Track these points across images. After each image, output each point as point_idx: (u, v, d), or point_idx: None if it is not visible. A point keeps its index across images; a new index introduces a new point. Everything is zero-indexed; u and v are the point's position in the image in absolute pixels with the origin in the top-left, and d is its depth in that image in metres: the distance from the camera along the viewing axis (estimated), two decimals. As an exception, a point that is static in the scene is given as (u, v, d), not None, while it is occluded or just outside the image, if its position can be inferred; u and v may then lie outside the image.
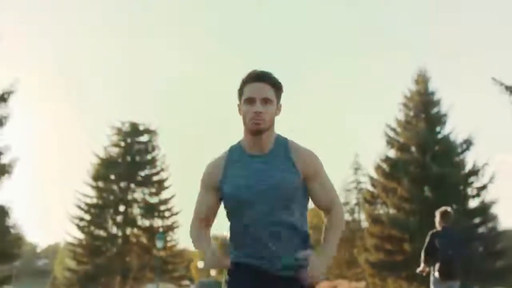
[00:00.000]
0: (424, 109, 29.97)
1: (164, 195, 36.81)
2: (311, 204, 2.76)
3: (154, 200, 36.56)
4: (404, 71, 71.50)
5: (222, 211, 2.79)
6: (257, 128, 2.62)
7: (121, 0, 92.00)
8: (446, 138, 29.73)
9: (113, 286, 34.18)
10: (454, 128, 29.96)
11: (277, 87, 2.68)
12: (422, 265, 7.38)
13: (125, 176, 35.74)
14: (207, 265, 2.61)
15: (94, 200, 35.62)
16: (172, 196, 36.76)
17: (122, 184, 35.99)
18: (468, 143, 29.42)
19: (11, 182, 19.97)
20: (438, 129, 30.03)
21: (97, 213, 35.45)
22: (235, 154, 2.72)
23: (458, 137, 29.76)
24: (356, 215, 41.26)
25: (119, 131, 36.84)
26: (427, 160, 28.87)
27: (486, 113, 59.08)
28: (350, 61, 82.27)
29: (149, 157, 36.85)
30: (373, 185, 31.40)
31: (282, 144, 2.72)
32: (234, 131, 2.69)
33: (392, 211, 29.95)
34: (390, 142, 30.32)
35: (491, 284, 27.37)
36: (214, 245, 2.62)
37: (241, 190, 2.64)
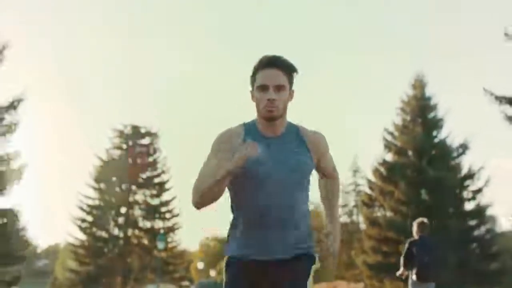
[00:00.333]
0: (421, 114, 30.75)
1: (165, 197, 37.67)
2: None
3: (155, 202, 37.44)
4: (404, 72, 72.31)
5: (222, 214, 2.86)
6: (270, 115, 2.67)
7: (121, 1, 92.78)
8: (442, 142, 30.51)
9: (114, 286, 35.13)
10: (451, 132, 30.84)
11: (290, 72, 2.72)
12: (401, 269, 8.41)
13: (127, 178, 36.60)
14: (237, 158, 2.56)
15: (96, 202, 36.42)
16: (173, 198, 37.61)
17: (124, 186, 36.84)
18: (464, 147, 30.22)
19: (20, 187, 21.14)
20: (434, 133, 30.78)
21: (99, 215, 36.27)
22: (250, 130, 2.76)
23: (454, 141, 30.58)
24: (354, 217, 42.29)
25: (121, 133, 37.71)
26: (423, 164, 29.65)
27: (486, 113, 59.96)
28: (350, 61, 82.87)
29: (150, 159, 37.71)
30: (370, 188, 32.27)
31: (294, 129, 2.80)
32: None
33: (389, 213, 30.69)
34: (388, 146, 31.14)
35: (487, 286, 27.98)
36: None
37: (256, 167, 2.66)
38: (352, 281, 34.36)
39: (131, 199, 36.96)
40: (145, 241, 36.73)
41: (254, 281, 2.71)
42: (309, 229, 2.79)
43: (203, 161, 2.73)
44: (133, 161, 36.89)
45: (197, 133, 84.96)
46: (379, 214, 31.91)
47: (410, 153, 30.59)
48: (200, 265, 54.62)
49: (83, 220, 36.03)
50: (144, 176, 37.33)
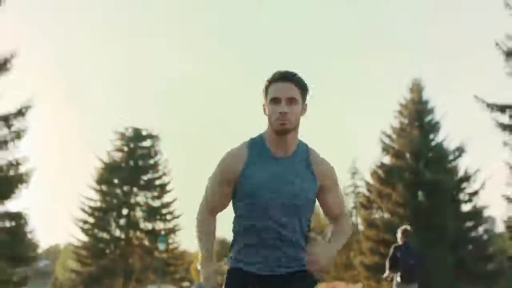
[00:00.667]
0: (418, 117, 31.75)
1: (166, 198, 38.17)
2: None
3: (156, 203, 37.92)
4: (404, 73, 73.23)
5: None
6: (282, 128, 2.66)
7: (121, 1, 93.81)
8: (439, 145, 31.49)
9: (115, 287, 35.59)
10: (448, 136, 31.84)
11: (302, 86, 2.73)
12: (387, 271, 9.51)
13: (128, 180, 37.19)
14: (205, 282, 2.77)
15: (98, 204, 36.97)
16: (174, 200, 38.10)
17: (125, 188, 37.36)
18: (460, 150, 31.27)
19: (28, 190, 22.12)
20: (431, 136, 31.79)
21: (101, 216, 36.87)
22: (256, 149, 2.76)
23: (451, 144, 31.61)
24: (353, 219, 43.24)
25: (123, 136, 38.27)
26: (420, 167, 30.75)
27: (485, 113, 60.71)
28: (350, 62, 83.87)
29: (151, 161, 38.32)
30: (369, 190, 33.34)
31: (304, 150, 2.78)
32: (236, 134, 3.08)
33: (386, 215, 31.75)
34: (386, 149, 32.18)
35: (484, 287, 28.96)
36: (212, 268, 2.78)
37: (262, 192, 2.68)
38: (350, 282, 35.24)
39: (132, 200, 37.55)
40: (146, 242, 37.37)
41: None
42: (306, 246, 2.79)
43: (208, 179, 2.83)
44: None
45: (198, 135, 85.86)
46: (377, 216, 32.96)
47: (407, 156, 31.55)
48: (199, 267, 55.09)
49: (85, 222, 36.62)
50: (145, 178, 38.05)
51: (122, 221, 37.35)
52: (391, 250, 9.54)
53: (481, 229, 31.39)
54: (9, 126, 21.28)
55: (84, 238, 36.92)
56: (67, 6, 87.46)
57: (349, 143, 71.24)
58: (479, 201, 30.54)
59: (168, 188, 38.39)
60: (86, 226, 36.77)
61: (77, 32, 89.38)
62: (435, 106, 32.18)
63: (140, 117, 77.68)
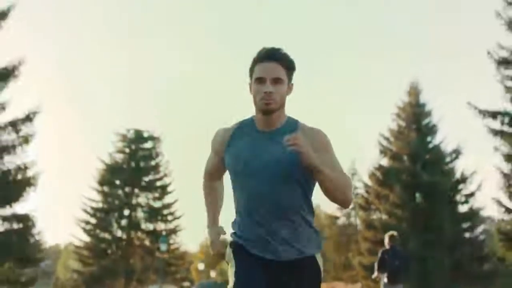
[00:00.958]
0: (415, 120, 32.62)
1: (167, 199, 39.07)
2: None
3: (157, 204, 38.78)
4: (403, 74, 74.33)
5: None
6: (267, 108, 2.67)
7: (121, 2, 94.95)
8: (436, 148, 32.36)
9: (117, 287, 36.38)
10: (445, 138, 32.80)
11: (288, 66, 2.72)
12: (376, 273, 10.61)
13: (130, 181, 38.03)
14: (211, 245, 2.92)
15: (100, 204, 37.79)
16: (175, 201, 39.01)
17: (127, 189, 38.21)
18: (457, 153, 32.17)
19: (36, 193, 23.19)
20: (429, 139, 32.65)
21: (103, 217, 37.71)
22: (245, 127, 2.81)
23: (448, 147, 32.50)
24: (352, 219, 44.35)
25: (124, 137, 39.12)
26: (418, 169, 31.58)
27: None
28: (350, 61, 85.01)
29: (153, 163, 39.15)
30: (367, 191, 34.36)
31: (292, 123, 2.77)
32: None
33: (384, 216, 32.72)
34: (383, 151, 33.13)
35: (480, 287, 29.52)
36: (218, 229, 2.94)
37: (239, 162, 2.72)
38: (349, 282, 36.19)
39: (134, 201, 38.32)
40: (148, 243, 38.17)
41: (258, 264, 2.72)
42: (307, 231, 2.75)
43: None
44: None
45: (198, 136, 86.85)
46: (375, 217, 33.89)
47: (405, 158, 32.42)
48: (201, 266, 56.33)
49: (87, 222, 37.38)
50: (146, 179, 38.87)
51: (123, 222, 38.10)
52: (379, 253, 10.65)
53: (477, 230, 32.14)
54: (17, 132, 22.38)
55: (86, 238, 37.66)
56: (69, 10, 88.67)
57: (349, 144, 72.09)
58: (475, 203, 31.38)
59: (169, 189, 39.20)
60: (88, 227, 37.49)
61: (78, 36, 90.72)
62: (432, 109, 33.15)
63: (141, 119, 79.20)
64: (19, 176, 22.47)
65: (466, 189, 31.85)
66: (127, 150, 39.29)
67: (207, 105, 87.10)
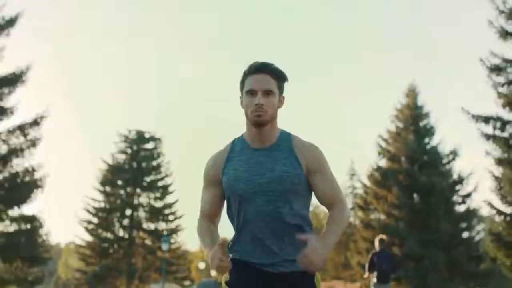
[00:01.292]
0: (413, 122, 33.61)
1: (169, 199, 39.94)
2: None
3: (159, 204, 39.62)
4: (404, 73, 75.42)
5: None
6: (258, 120, 2.65)
7: (122, 5, 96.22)
8: (433, 149, 33.29)
9: (119, 286, 37.37)
10: (442, 139, 34.03)
11: (279, 78, 2.72)
12: (366, 273, 11.76)
13: (132, 181, 38.85)
14: (211, 267, 2.61)
15: (102, 204, 38.66)
16: (176, 201, 39.93)
17: (129, 189, 38.99)
18: (454, 154, 33.12)
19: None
20: (426, 140, 33.58)
21: (105, 217, 38.45)
22: (237, 146, 2.77)
23: (445, 148, 33.51)
24: (351, 219, 45.31)
25: (126, 138, 40.03)
26: (415, 170, 32.47)
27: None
28: (350, 62, 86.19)
29: (154, 163, 39.99)
30: (365, 192, 35.35)
31: (286, 138, 2.75)
32: (237, 136, 2.86)
33: (382, 217, 33.71)
34: (382, 153, 34.13)
35: (476, 286, 30.74)
36: (216, 248, 2.56)
37: (240, 183, 2.67)
38: (348, 281, 37.22)
39: (135, 201, 39.14)
40: (149, 242, 38.98)
41: (255, 281, 2.72)
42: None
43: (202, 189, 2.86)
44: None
45: (199, 137, 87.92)
46: (373, 217, 34.88)
47: (402, 159, 33.32)
48: (201, 265, 57.34)
49: (89, 222, 38.23)
50: (148, 179, 39.73)
51: (125, 222, 38.90)
52: (370, 255, 11.82)
53: (474, 230, 33.19)
54: (25, 135, 23.50)
55: (89, 238, 38.45)
56: (73, 17, 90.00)
57: (349, 145, 73.23)
58: (472, 203, 32.30)
59: (170, 189, 40.03)
60: (91, 226, 38.28)
61: (81, 40, 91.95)
62: (430, 111, 34.20)
63: (143, 120, 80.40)
64: (27, 178, 23.57)
65: (463, 190, 32.73)
66: (129, 150, 40.09)
67: (207, 106, 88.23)
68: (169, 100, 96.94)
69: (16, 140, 23.56)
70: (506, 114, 22.57)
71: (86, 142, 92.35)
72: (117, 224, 39.01)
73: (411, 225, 31.43)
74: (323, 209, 48.70)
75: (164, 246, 33.43)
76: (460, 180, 32.86)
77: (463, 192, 32.80)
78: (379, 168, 34.15)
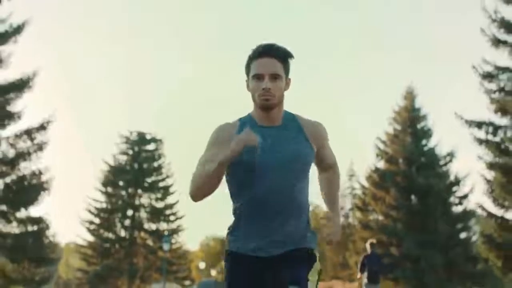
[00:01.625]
0: (410, 124, 34.55)
1: (169, 200, 40.88)
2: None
3: (160, 205, 40.58)
4: (403, 76, 76.43)
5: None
6: (266, 104, 2.71)
7: (122, 5, 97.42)
8: (431, 151, 34.27)
9: (120, 285, 38.27)
10: (439, 141, 34.88)
11: (284, 59, 2.77)
12: (358, 274, 13.00)
13: (133, 182, 39.76)
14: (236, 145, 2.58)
15: (104, 205, 39.59)
16: (177, 202, 40.80)
17: (130, 190, 39.92)
18: (451, 156, 34.12)
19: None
20: (424, 142, 34.58)
21: (106, 217, 39.41)
22: (246, 123, 2.79)
23: (442, 150, 34.53)
24: (350, 220, 46.32)
25: (127, 140, 40.91)
26: (413, 171, 33.44)
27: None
28: (350, 61, 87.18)
29: (155, 164, 40.92)
30: (364, 193, 36.26)
31: (291, 118, 2.85)
32: None
33: (380, 217, 34.62)
34: (380, 154, 35.05)
35: (472, 285, 31.52)
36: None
37: (257, 156, 2.68)
38: (347, 281, 38.13)
39: (137, 202, 40.07)
40: (150, 242, 39.91)
41: (254, 275, 2.75)
42: (309, 220, 2.83)
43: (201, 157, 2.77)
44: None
45: (200, 138, 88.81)
46: (371, 218, 35.70)
47: (400, 161, 34.30)
48: (202, 265, 58.37)
49: (91, 222, 39.14)
50: (149, 180, 40.67)
51: (127, 222, 39.89)
52: (361, 257, 13.06)
53: (470, 231, 34.07)
54: (32, 139, 24.69)
55: (90, 238, 39.38)
56: (77, 23, 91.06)
57: (348, 146, 74.11)
58: (469, 204, 33.18)
59: (171, 190, 40.97)
60: (92, 227, 39.22)
61: (79, 39, 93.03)
62: (427, 113, 35.18)
63: (144, 121, 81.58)
64: (34, 181, 24.77)
65: (460, 191, 33.65)
66: (130, 152, 40.97)
67: (208, 106, 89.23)
68: (169, 100, 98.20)
69: (24, 144, 24.69)
70: (498, 119, 23.77)
71: (86, 142, 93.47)
72: (118, 225, 39.93)
73: (409, 226, 32.35)
74: (323, 209, 49.82)
75: (165, 246, 34.29)
76: (457, 182, 33.74)
77: (460, 193, 33.68)
78: (377, 170, 35.03)
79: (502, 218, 23.72)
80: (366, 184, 36.13)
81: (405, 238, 31.68)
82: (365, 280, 12.87)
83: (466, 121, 24.07)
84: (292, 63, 2.83)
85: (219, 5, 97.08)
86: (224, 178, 2.78)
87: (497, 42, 23.51)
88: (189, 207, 65.10)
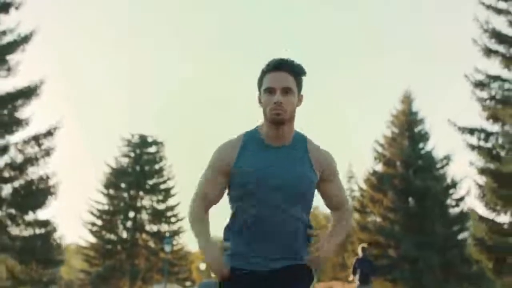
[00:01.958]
0: (408, 127, 35.65)
1: (171, 202, 41.88)
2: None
3: (161, 206, 41.59)
4: (403, 72, 77.35)
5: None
6: (277, 118, 2.70)
7: (122, 5, 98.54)
8: (428, 154, 35.36)
9: (122, 286, 39.14)
10: (436, 144, 36.35)
11: (298, 75, 2.78)
12: (351, 276, 14.35)
13: (135, 184, 40.77)
14: (211, 269, 2.75)
15: (106, 207, 40.63)
16: (178, 203, 41.89)
17: (132, 192, 40.92)
18: (447, 159, 35.19)
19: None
20: (421, 145, 35.65)
21: (109, 219, 40.49)
22: (252, 140, 2.80)
23: (439, 153, 35.77)
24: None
25: (129, 142, 41.95)
26: (410, 174, 34.54)
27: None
28: (350, 61, 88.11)
29: (156, 167, 41.92)
30: (362, 195, 37.25)
31: (301, 140, 2.83)
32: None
33: (378, 220, 35.71)
34: (378, 157, 36.18)
35: (469, 287, 32.02)
36: (216, 248, 2.76)
37: (253, 178, 2.71)
38: (346, 282, 39.31)
39: (138, 204, 41.07)
40: (152, 244, 40.90)
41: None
42: (306, 243, 2.85)
43: (203, 171, 2.89)
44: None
45: (200, 141, 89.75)
46: (369, 219, 36.71)
47: (398, 164, 35.37)
48: (202, 266, 59.26)
49: (94, 224, 40.17)
50: (151, 182, 41.67)
51: (128, 224, 40.87)
52: (354, 261, 14.42)
53: (467, 233, 35.14)
54: (39, 145, 26.00)
55: (93, 239, 40.40)
56: (74, 17, 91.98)
57: (347, 146, 75.06)
58: (465, 206, 33.95)
59: (172, 192, 42.03)
60: (95, 228, 40.26)
61: (78, 39, 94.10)
62: (424, 117, 36.30)
63: (143, 121, 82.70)
64: (41, 186, 26.09)
65: (456, 193, 34.70)
66: (132, 154, 42.01)
67: (208, 107, 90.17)
68: (169, 100, 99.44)
69: (31, 150, 25.90)
70: (489, 126, 25.09)
71: (88, 144, 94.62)
72: (120, 226, 40.90)
73: (407, 227, 33.36)
74: (323, 210, 51.09)
75: (167, 248, 34.87)
76: (454, 184, 34.79)
77: (456, 196, 34.73)
78: (375, 173, 36.12)
79: (493, 221, 24.96)
80: (364, 186, 37.09)
81: (402, 239, 32.66)
82: (357, 282, 14.22)
83: (459, 128, 25.31)
84: (305, 77, 2.85)
85: (219, 5, 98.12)
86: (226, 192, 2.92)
87: (488, 52, 24.78)
88: (187, 208, 66.08)
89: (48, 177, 25.95)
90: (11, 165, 25.58)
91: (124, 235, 40.98)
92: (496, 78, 25.03)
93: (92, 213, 40.50)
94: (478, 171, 24.81)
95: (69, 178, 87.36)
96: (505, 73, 24.98)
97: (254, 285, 2.78)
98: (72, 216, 67.36)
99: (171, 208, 41.97)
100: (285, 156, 2.77)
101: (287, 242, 2.78)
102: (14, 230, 25.82)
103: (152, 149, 42.66)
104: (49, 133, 25.92)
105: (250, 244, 2.79)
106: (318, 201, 2.94)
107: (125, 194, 41.33)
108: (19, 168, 25.79)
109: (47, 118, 31.21)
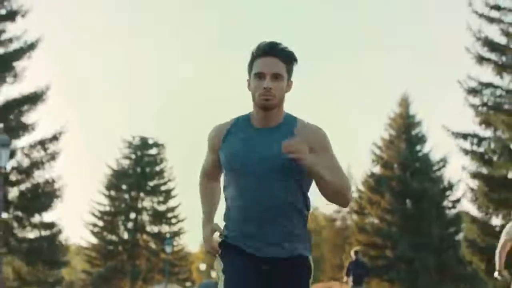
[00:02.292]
0: (405, 130, 36.68)
1: (171, 203, 42.69)
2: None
3: (162, 208, 42.40)
4: (403, 73, 78.17)
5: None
6: (266, 104, 2.74)
7: (122, 5, 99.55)
8: (425, 157, 36.44)
9: (123, 287, 40.08)
10: (433, 147, 36.94)
11: (288, 60, 2.79)
12: (345, 277, 15.59)
13: (136, 186, 41.53)
14: (204, 243, 2.98)
15: (107, 208, 41.44)
16: (179, 205, 42.69)
17: (133, 193, 41.66)
18: (444, 161, 36.31)
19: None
20: (418, 148, 36.76)
21: (110, 220, 41.35)
22: (241, 124, 2.88)
23: (435, 156, 36.64)
24: (348, 222, 48.33)
25: (130, 144, 42.70)
26: (407, 176, 35.63)
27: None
28: (350, 61, 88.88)
29: (157, 168, 42.73)
30: (360, 197, 38.14)
31: (290, 121, 2.84)
32: None
33: (376, 221, 36.74)
34: (375, 160, 37.26)
35: (464, 287, 32.92)
36: (209, 229, 2.94)
37: (235, 159, 2.78)
38: (344, 282, 40.51)
39: (139, 205, 41.83)
40: (153, 245, 41.76)
41: (250, 268, 2.78)
42: (301, 229, 2.82)
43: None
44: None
45: (201, 143, 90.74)
46: (367, 221, 37.73)
47: (395, 166, 36.43)
48: (202, 267, 60.36)
49: (95, 225, 41.06)
50: (151, 184, 42.54)
51: (129, 225, 41.64)
52: (348, 264, 15.66)
53: (462, 234, 36.22)
54: (45, 149, 27.13)
55: (94, 240, 41.36)
56: (69, 16, 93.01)
57: (347, 146, 75.91)
58: (462, 208, 34.10)
59: (173, 193, 42.83)
60: (96, 229, 41.17)
61: (78, 38, 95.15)
62: (421, 120, 37.35)
63: (143, 121, 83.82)
64: (47, 189, 27.23)
65: (453, 195, 35.87)
66: (133, 156, 42.76)
67: (208, 107, 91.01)
68: (170, 100, 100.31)
69: (37, 154, 26.92)
70: (482, 132, 26.29)
71: (89, 146, 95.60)
72: (121, 227, 41.74)
73: (403, 229, 34.38)
74: (322, 211, 52.14)
75: (167, 249, 36.23)
76: (450, 187, 35.94)
77: (452, 197, 35.89)
78: (373, 175, 37.22)
79: (485, 223, 26.16)
80: (362, 188, 38.06)
81: (399, 240, 33.71)
82: (351, 284, 15.46)
83: (453, 133, 26.49)
84: (296, 64, 2.87)
85: (219, 5, 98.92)
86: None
87: (481, 60, 25.95)
88: (190, 210, 67.57)
89: (53, 181, 27.05)
90: (18, 169, 26.53)
91: (125, 236, 41.72)
92: (488, 85, 26.16)
93: (93, 214, 41.29)
94: (471, 175, 25.99)
95: (71, 180, 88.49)
96: (497, 80, 26.17)
97: (252, 262, 2.81)
98: (73, 217, 68.66)
99: (172, 209, 42.75)
100: (268, 137, 2.81)
101: (271, 227, 2.78)
102: (21, 232, 26.85)
103: (153, 151, 43.41)
104: (54, 138, 27.00)
105: (237, 226, 2.86)
106: (318, 201, 3.40)
107: (126, 196, 42.04)
108: (25, 172, 26.76)
109: (53, 123, 32.35)
